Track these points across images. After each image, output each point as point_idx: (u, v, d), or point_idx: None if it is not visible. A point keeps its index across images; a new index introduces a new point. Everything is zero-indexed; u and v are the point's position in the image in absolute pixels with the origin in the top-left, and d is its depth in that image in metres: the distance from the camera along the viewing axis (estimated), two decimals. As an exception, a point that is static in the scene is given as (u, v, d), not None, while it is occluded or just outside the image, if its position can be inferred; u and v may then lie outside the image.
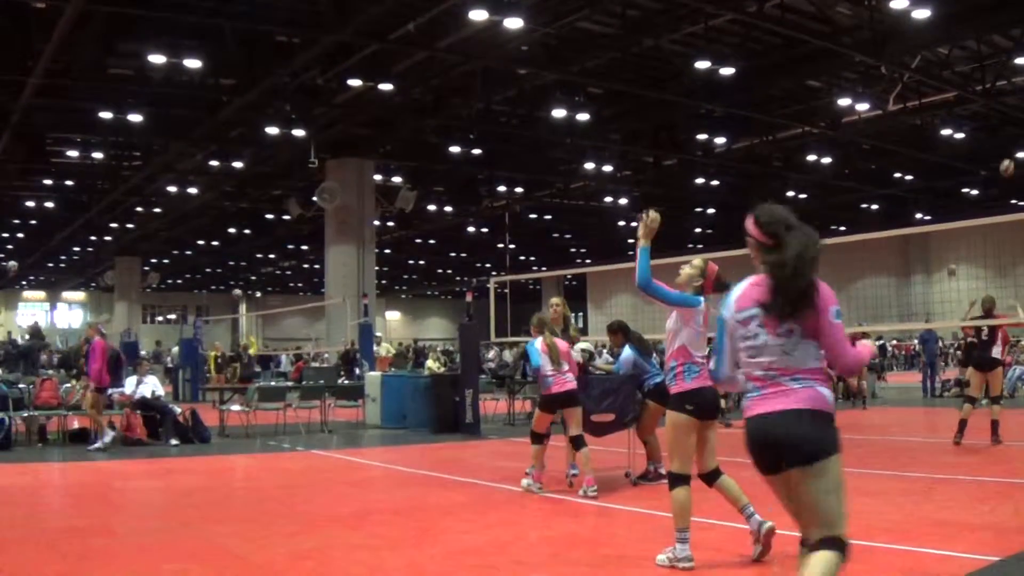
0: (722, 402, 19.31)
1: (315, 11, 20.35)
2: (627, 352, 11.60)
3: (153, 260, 60.76)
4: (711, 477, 7.51)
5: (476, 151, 33.81)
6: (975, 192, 42.45)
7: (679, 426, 7.16)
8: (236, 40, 22.07)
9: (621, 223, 51.23)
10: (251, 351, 30.65)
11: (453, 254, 66.20)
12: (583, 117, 27.84)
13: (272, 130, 28.14)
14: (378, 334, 30.24)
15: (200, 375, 30.34)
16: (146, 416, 16.85)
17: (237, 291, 54.77)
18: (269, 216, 46.74)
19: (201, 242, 56.00)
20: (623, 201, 44.13)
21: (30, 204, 40.85)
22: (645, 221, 7.29)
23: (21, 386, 17.54)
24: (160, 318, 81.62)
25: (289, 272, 72.47)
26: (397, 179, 37.15)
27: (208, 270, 71.86)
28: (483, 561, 7.33)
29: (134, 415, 16.66)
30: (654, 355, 12.25)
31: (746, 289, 4.47)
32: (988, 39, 23.67)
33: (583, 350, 11.85)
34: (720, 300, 4.82)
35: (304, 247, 55.59)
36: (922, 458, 13.65)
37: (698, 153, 33.66)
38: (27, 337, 28.79)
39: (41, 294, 79.51)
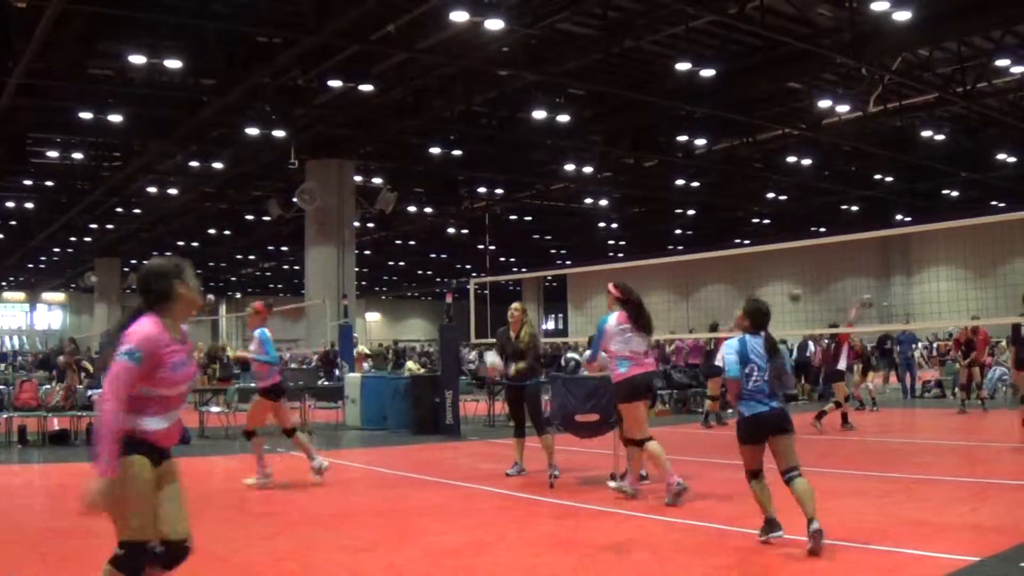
0: (706, 403, 19.59)
1: (295, 12, 20.29)
2: None
3: (133, 261, 60.43)
4: None
5: (457, 152, 33.78)
6: (955, 194, 42.59)
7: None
8: (217, 41, 22.02)
9: (602, 224, 51.31)
10: (228, 353, 30.48)
11: (433, 255, 66.18)
12: (564, 118, 27.84)
13: (252, 131, 28.06)
14: (354, 335, 30.23)
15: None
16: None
17: (211, 296, 54.61)
18: (249, 217, 46.66)
19: (181, 243, 55.74)
20: (604, 202, 44.20)
21: (10, 204, 40.64)
22: None
23: (1, 387, 17.51)
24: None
25: (269, 273, 72.34)
26: (377, 180, 37.09)
27: (188, 271, 71.49)
28: (462, 562, 7.34)
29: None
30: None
31: None
32: (969, 41, 23.75)
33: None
34: None
35: (284, 248, 55.52)
36: (901, 459, 13.69)
37: (678, 154, 33.68)
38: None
39: (21, 295, 79.12)
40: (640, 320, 10.23)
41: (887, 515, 8.85)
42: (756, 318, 8.00)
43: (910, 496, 10.06)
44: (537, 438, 11.83)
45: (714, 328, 21.43)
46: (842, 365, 18.24)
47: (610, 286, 10.46)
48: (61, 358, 22.30)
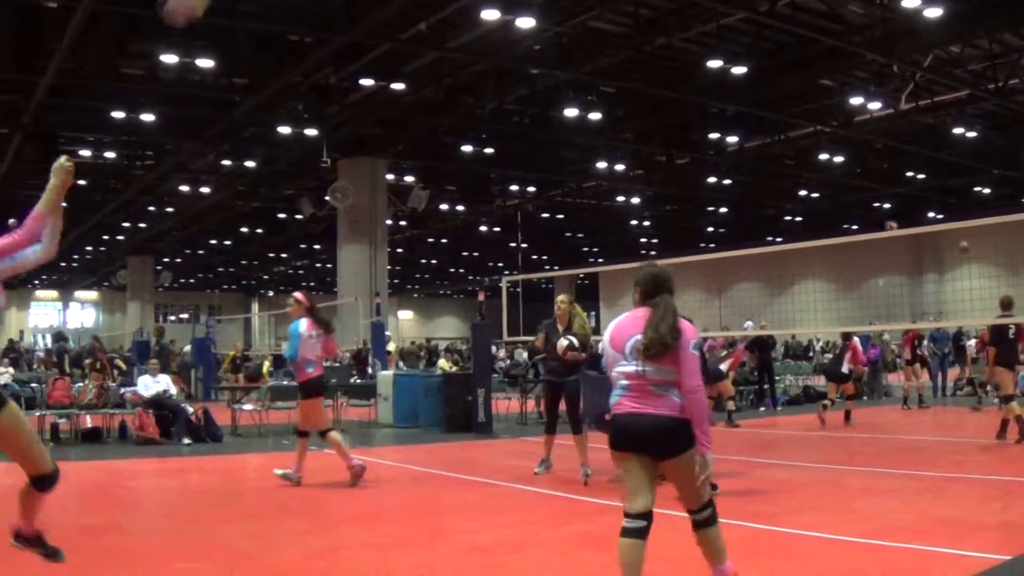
0: (731, 404, 19.64)
1: (327, 11, 20.36)
2: None
3: (165, 259, 60.80)
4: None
5: (488, 150, 33.79)
6: (987, 191, 42.31)
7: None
8: (248, 40, 22.10)
9: (634, 222, 51.21)
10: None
11: (465, 253, 66.10)
12: (595, 116, 27.77)
13: (284, 129, 28.17)
14: (387, 333, 30.27)
15: (212, 374, 30.37)
16: (158, 415, 16.87)
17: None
18: (281, 215, 46.78)
19: (213, 241, 56.09)
20: (635, 200, 44.10)
21: (43, 204, 40.88)
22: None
23: (33, 385, 17.64)
24: (172, 317, 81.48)
25: (301, 271, 72.50)
26: (409, 178, 37.15)
27: (220, 269, 71.80)
28: (494, 560, 7.34)
29: (146, 414, 16.68)
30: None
31: None
32: (1000, 38, 23.58)
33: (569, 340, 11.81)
34: None
35: (316, 246, 55.59)
36: (933, 457, 13.62)
37: (710, 152, 33.62)
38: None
39: (54, 293, 79.57)
40: (323, 325, 11.92)
41: (919, 513, 8.82)
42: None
43: (941, 494, 10.02)
44: (572, 436, 11.79)
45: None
46: (845, 368, 18.74)
47: (298, 295, 12.04)
48: (87, 361, 22.39)
